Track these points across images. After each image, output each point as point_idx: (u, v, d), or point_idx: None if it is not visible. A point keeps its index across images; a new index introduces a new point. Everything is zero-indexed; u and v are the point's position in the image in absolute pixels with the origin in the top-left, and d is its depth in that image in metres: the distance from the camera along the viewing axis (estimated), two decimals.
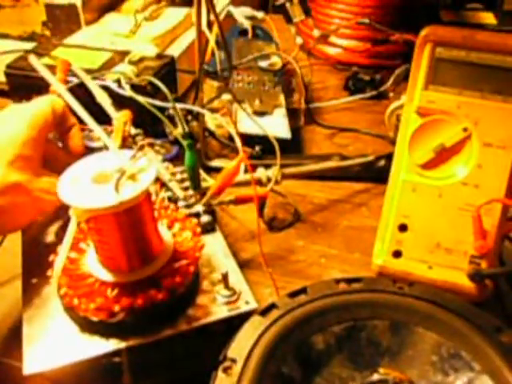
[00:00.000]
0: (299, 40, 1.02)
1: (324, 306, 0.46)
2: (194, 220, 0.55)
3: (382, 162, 0.76)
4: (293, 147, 0.83)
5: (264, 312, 0.46)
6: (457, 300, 0.47)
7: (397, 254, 0.59)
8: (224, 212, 0.73)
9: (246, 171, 0.67)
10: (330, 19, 1.10)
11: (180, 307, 0.51)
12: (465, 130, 0.57)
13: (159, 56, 0.80)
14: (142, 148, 0.62)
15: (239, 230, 0.71)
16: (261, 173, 0.67)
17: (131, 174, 0.46)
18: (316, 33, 1.09)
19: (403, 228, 0.59)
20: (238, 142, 0.65)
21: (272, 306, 0.47)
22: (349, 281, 0.48)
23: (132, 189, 0.45)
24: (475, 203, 0.56)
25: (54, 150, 0.59)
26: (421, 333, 0.46)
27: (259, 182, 0.67)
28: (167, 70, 0.80)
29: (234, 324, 0.48)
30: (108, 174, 0.47)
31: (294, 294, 0.47)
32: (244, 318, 0.47)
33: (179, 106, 0.68)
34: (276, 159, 0.68)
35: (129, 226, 0.47)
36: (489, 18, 1.17)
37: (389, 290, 0.48)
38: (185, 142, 0.59)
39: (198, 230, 0.54)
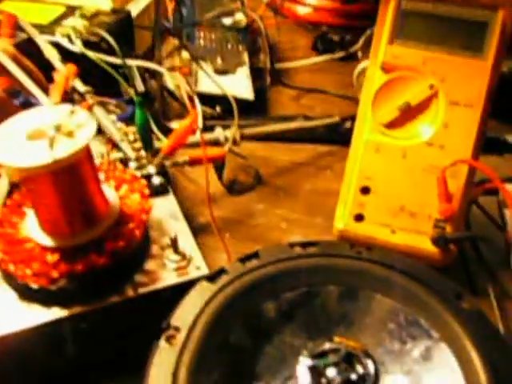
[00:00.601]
0: None
1: (276, 271, 0.44)
2: (143, 181, 0.52)
3: (348, 124, 0.73)
4: (257, 108, 0.80)
5: (212, 278, 0.43)
6: (417, 265, 0.45)
7: (359, 218, 0.57)
8: (183, 175, 0.69)
9: (204, 131, 0.64)
10: None
11: (126, 273, 0.48)
12: (431, 87, 0.55)
13: (115, 11, 0.76)
14: (91, 107, 0.58)
15: (198, 193, 0.68)
16: (218, 133, 0.64)
17: (68, 130, 0.43)
18: None
19: (366, 191, 0.56)
20: (195, 101, 0.62)
21: (221, 272, 0.44)
22: (304, 245, 0.46)
23: (68, 146, 0.42)
24: (440, 165, 0.53)
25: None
26: (378, 299, 0.44)
27: (217, 143, 0.63)
28: (123, 25, 0.75)
29: (184, 291, 0.46)
30: (44, 131, 0.43)
31: (245, 259, 0.45)
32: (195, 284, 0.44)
33: (134, 62, 0.64)
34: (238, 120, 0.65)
35: (67, 186, 0.44)
36: None
37: (345, 254, 0.45)
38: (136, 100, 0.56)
39: (147, 191, 0.51)
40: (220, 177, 0.66)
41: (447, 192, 0.54)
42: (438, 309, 0.42)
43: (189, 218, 0.62)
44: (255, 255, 0.45)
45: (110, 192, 0.50)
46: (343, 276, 0.44)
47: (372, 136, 0.56)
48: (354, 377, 0.39)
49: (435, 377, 0.40)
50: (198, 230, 0.61)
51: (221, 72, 0.78)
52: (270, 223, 0.64)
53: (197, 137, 0.61)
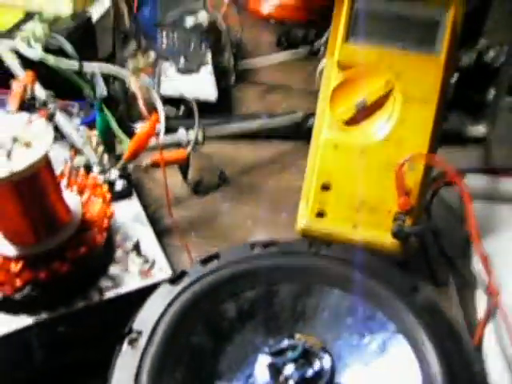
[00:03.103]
0: None
1: (236, 271, 0.45)
2: (106, 187, 0.52)
3: (312, 121, 0.73)
4: (222, 107, 0.80)
5: (174, 280, 0.44)
6: (374, 260, 0.46)
7: (320, 215, 0.57)
8: (148, 177, 0.70)
9: (168, 132, 0.64)
10: None
11: (90, 278, 0.48)
12: (387, 84, 0.55)
13: (75, 16, 0.76)
14: (51, 117, 0.58)
15: (164, 195, 0.68)
16: (181, 134, 0.64)
17: (26, 141, 0.43)
18: None
19: (326, 188, 0.57)
20: (157, 104, 0.62)
21: (182, 274, 0.44)
22: (264, 245, 0.46)
23: (26, 157, 0.42)
24: (398, 160, 0.54)
25: None
26: (336, 295, 0.45)
27: (180, 144, 0.64)
28: (84, 30, 0.75)
29: (150, 293, 0.46)
30: (1, 142, 0.43)
31: (206, 261, 0.46)
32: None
33: (93, 67, 0.64)
34: (202, 120, 0.65)
35: (28, 196, 0.44)
36: None
37: (304, 252, 0.46)
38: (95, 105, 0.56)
39: (109, 196, 0.51)
40: (185, 178, 0.66)
41: (405, 186, 0.55)
42: (395, 302, 0.43)
43: (155, 219, 0.63)
44: (216, 256, 0.46)
45: (72, 198, 0.50)
46: (301, 274, 0.45)
47: (331, 134, 0.57)
48: (310, 373, 0.40)
49: (392, 368, 0.42)
50: (165, 232, 0.62)
51: (184, 72, 0.78)
52: (236, 222, 0.65)
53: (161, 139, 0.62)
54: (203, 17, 0.85)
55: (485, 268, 0.54)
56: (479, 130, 0.79)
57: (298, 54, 0.94)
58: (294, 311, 0.45)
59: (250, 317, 0.44)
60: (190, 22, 0.84)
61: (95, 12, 0.80)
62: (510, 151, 0.75)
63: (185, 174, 0.66)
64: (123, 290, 0.48)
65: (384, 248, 0.56)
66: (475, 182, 0.65)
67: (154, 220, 0.61)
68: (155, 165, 0.59)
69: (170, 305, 0.42)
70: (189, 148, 0.62)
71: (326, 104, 0.58)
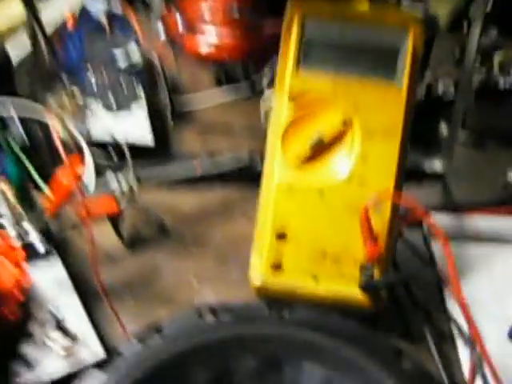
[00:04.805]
0: (163, 34, 0.91)
1: (184, 349, 0.36)
2: (20, 251, 0.43)
3: (259, 161, 0.66)
4: (159, 151, 0.73)
5: (103, 365, 0.35)
6: (347, 323, 0.39)
7: (277, 268, 0.50)
8: (78, 233, 0.61)
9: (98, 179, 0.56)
10: (198, 12, 1.00)
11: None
12: (345, 116, 0.49)
13: None
14: None
15: (97, 254, 0.59)
16: (113, 183, 0.56)
17: None
18: (181, 27, 0.98)
19: (282, 237, 0.50)
20: (84, 149, 0.54)
21: (114, 356, 0.36)
22: (215, 311, 0.38)
23: None
24: (361, 203, 0.48)
25: None
26: (307, 368, 0.37)
27: (113, 195, 0.56)
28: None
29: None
30: None
31: (144, 337, 0.37)
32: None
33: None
34: (136, 165, 0.58)
35: None
36: None
37: (264, 317, 0.38)
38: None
39: (24, 263, 0.42)
40: (118, 232, 0.58)
41: (372, 232, 0.48)
42: (377, 374, 0.36)
43: (84, 283, 0.54)
44: (157, 330, 0.37)
45: None
46: (263, 345, 0.37)
47: (284, 175, 0.50)
48: None
49: None
50: (96, 297, 0.53)
51: (115, 113, 0.70)
52: (179, 281, 0.57)
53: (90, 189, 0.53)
54: (136, 54, 0.78)
55: (465, 316, 0.48)
56: (435, 165, 0.74)
57: (238, 90, 0.87)
58: None
59: None
60: (121, 59, 0.77)
61: (12, 48, 0.72)
62: (468, 185, 0.72)
63: (117, 227, 0.57)
64: (41, 376, 0.38)
65: (351, 302, 0.50)
66: (439, 220, 0.61)
67: (83, 285, 0.52)
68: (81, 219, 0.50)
69: None
70: (123, 200, 0.54)
71: (276, 142, 0.51)
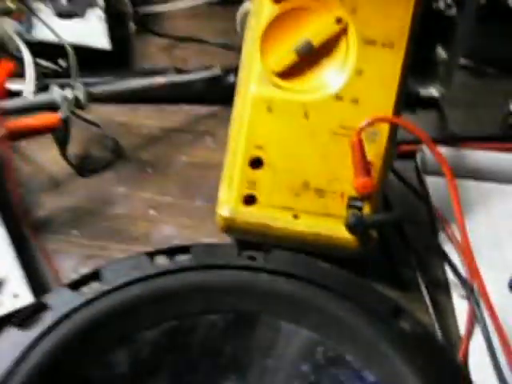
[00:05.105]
0: None
1: (128, 299, 0.28)
2: None
3: (232, 78, 0.58)
4: (118, 62, 0.63)
5: (28, 318, 0.27)
6: (336, 272, 0.31)
7: (250, 201, 0.43)
8: (16, 151, 0.52)
9: (39, 91, 0.47)
10: None
11: None
12: (338, 20, 0.42)
13: None
14: None
15: (36, 176, 0.51)
16: (56, 93, 0.47)
17: None
18: None
19: (257, 163, 0.43)
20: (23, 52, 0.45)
21: (41, 307, 0.28)
22: (170, 253, 0.31)
23: None
24: (354, 125, 0.41)
25: None
26: (284, 329, 0.30)
27: (54, 107, 0.47)
28: None
29: None
30: None
31: (78, 284, 0.29)
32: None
33: None
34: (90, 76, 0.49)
35: None
36: None
37: (233, 263, 0.31)
38: None
39: None
40: (64, 152, 0.49)
41: (365, 160, 0.41)
42: (370, 337, 0.29)
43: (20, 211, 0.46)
44: (95, 276, 0.29)
45: None
46: (230, 297, 0.30)
47: (262, 90, 0.43)
48: None
49: None
50: (35, 229, 0.45)
51: (66, 15, 0.60)
52: (134, 212, 0.49)
53: (26, 100, 0.44)
54: None
55: (467, 260, 0.45)
56: (430, 91, 0.67)
57: (211, 1, 0.77)
58: (220, 356, 0.29)
59: (151, 371, 0.28)
60: None
61: None
62: (464, 114, 0.67)
63: (63, 146, 0.48)
64: None
65: (336, 243, 0.44)
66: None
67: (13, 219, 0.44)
68: (16, 135, 0.41)
69: (18, 362, 0.26)
70: (63, 110, 0.45)
71: (254, 49, 0.43)
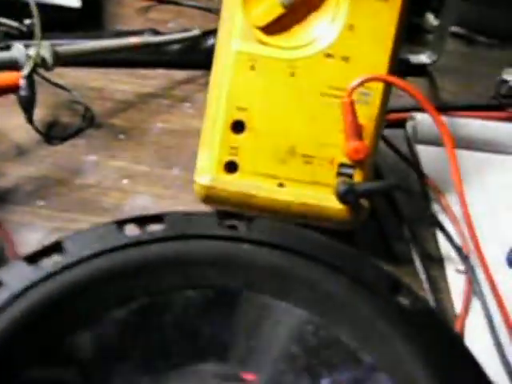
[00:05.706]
0: None
1: (93, 274, 0.25)
2: None
3: (212, 40, 0.54)
4: (89, 23, 0.60)
5: None
6: (326, 243, 0.28)
7: (231, 168, 0.40)
8: None
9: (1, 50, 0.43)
10: None
11: None
12: None
13: None
14: None
15: (2, 143, 0.47)
16: (17, 50, 0.43)
17: None
18: None
19: (239, 127, 0.40)
20: None
21: None
22: (141, 221, 0.27)
23: None
24: (345, 84, 0.38)
25: None
26: (270, 306, 0.26)
27: (16, 66, 0.42)
28: None
29: None
30: None
31: (36, 257, 0.25)
32: None
33: None
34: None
35: None
36: None
37: (212, 232, 0.27)
38: None
39: None
40: (29, 117, 0.45)
41: (356, 124, 0.38)
42: (367, 314, 0.26)
43: None
44: (55, 248, 0.26)
45: None
46: (209, 271, 0.26)
47: (245, 46, 0.39)
48: None
49: None
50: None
51: None
52: (106, 182, 0.46)
53: None
54: None
55: (469, 230, 0.43)
56: (420, 59, 0.64)
57: None
58: (198, 337, 0.26)
59: (122, 354, 0.25)
60: None
61: None
62: (455, 83, 0.65)
63: (28, 111, 0.44)
64: None
65: (324, 214, 0.41)
66: (423, 122, 0.54)
67: None
68: None
69: None
70: (26, 68, 0.41)
71: (236, 1, 0.39)
